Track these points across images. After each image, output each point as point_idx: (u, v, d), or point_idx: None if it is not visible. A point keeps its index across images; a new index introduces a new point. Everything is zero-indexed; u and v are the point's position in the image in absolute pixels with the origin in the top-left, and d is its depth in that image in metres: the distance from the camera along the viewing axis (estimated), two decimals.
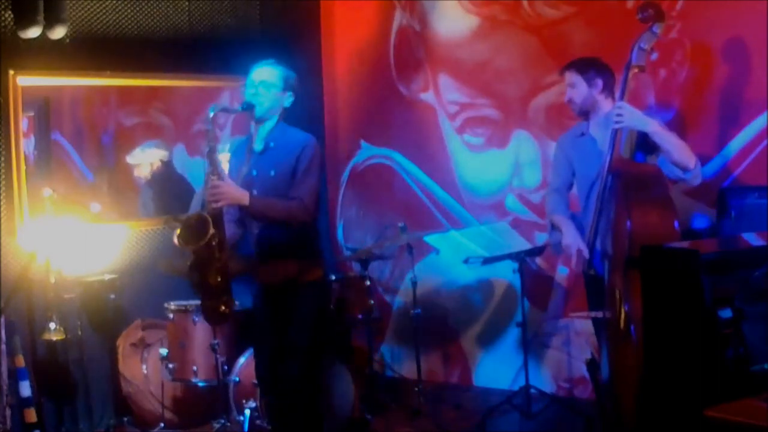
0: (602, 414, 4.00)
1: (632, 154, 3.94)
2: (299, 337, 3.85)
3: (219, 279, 3.64)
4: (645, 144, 3.90)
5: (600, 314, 3.75)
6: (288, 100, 3.89)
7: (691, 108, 4.60)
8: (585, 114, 4.13)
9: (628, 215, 3.54)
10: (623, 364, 3.47)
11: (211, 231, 3.56)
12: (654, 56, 3.90)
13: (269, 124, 3.88)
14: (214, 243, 3.58)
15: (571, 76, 4.10)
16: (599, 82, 4.07)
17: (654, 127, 3.79)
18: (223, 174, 3.75)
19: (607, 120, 3.93)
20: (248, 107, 3.80)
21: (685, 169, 3.83)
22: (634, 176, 3.70)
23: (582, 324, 5.15)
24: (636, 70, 3.80)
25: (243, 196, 3.71)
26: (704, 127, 4.56)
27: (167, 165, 5.36)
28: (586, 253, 3.96)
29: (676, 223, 3.56)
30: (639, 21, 3.80)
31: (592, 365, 4.00)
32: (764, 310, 2.82)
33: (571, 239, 4.06)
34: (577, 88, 4.08)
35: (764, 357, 2.76)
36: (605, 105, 4.07)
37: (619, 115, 3.76)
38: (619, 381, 3.53)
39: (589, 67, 4.10)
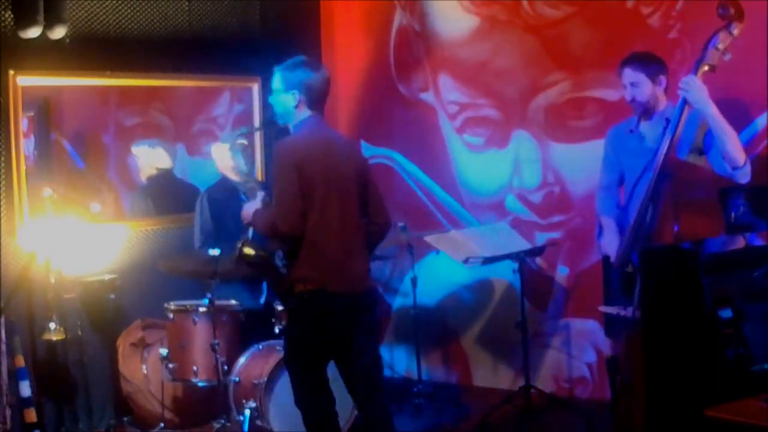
0: (615, 414, 3.98)
1: (700, 152, 3.77)
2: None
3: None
4: (702, 144, 3.76)
5: (629, 313, 3.59)
6: (295, 98, 3.66)
7: None
8: (647, 113, 3.93)
9: (675, 218, 3.46)
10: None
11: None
12: (727, 57, 3.64)
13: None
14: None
15: (634, 74, 3.88)
16: (663, 80, 3.89)
17: (715, 111, 3.61)
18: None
19: (660, 118, 3.82)
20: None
21: (734, 166, 3.65)
22: (685, 179, 3.59)
23: (582, 324, 5.16)
24: (706, 69, 3.62)
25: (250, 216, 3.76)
26: None
27: (166, 171, 5.32)
28: (613, 258, 3.88)
29: (723, 234, 3.49)
30: (718, 17, 3.63)
31: (613, 364, 3.96)
32: (764, 310, 2.83)
33: (607, 243, 3.99)
34: (641, 86, 3.87)
35: (764, 357, 2.76)
36: (662, 103, 3.92)
37: (686, 85, 3.59)
38: (636, 381, 3.49)
39: (651, 62, 3.90)
